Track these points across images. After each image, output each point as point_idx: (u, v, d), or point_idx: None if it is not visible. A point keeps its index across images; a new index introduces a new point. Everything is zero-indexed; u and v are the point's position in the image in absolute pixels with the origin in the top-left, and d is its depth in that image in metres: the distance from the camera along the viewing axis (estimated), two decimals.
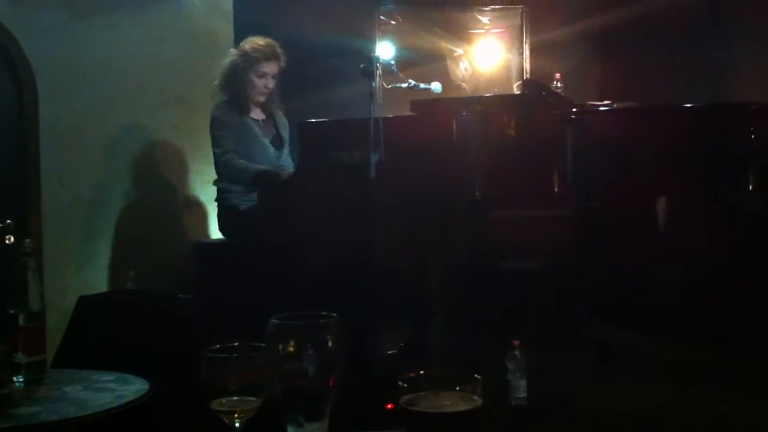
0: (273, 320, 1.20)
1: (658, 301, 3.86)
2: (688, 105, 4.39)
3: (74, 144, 4.30)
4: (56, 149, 4.21)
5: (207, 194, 4.93)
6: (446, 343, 3.86)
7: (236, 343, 1.21)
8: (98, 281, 4.37)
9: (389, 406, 1.15)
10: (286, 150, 4.41)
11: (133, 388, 2.05)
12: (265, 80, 4.31)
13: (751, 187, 3.89)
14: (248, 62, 4.27)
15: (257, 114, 4.40)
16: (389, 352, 3.79)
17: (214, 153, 4.26)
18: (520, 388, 3.27)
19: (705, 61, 5.59)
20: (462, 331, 3.92)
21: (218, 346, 1.21)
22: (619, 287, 3.95)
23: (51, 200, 4.17)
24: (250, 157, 4.24)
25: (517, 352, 3.28)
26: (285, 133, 4.47)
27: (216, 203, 4.40)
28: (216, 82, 4.39)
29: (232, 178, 4.22)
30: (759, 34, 5.29)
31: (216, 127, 4.25)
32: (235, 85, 4.30)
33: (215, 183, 4.38)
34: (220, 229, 4.41)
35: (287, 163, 4.38)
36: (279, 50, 4.33)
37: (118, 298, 3.45)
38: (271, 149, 4.35)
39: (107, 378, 2.15)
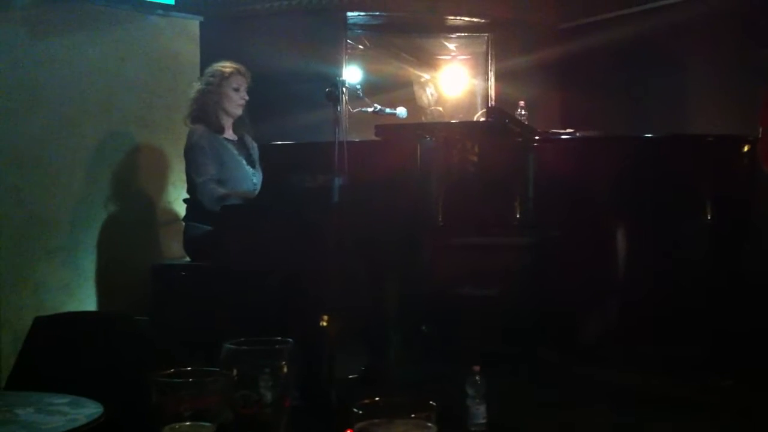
0: (227, 345, 1.18)
1: (612, 330, 3.90)
2: (648, 136, 4.46)
3: (32, 162, 4.24)
4: (14, 167, 4.15)
5: (167, 215, 4.88)
6: (406, 369, 3.85)
7: (189, 368, 1.19)
8: (55, 302, 4.30)
9: None
10: (259, 170, 4.40)
11: (87, 411, 2.01)
12: (241, 93, 4.35)
13: (709, 217, 3.95)
14: (222, 78, 4.31)
15: (230, 134, 4.40)
16: (350, 377, 3.77)
17: (195, 181, 4.18)
18: (480, 414, 3.26)
19: (662, 89, 5.69)
20: (422, 356, 3.91)
21: (171, 370, 1.19)
22: (573, 314, 3.98)
23: (7, 218, 4.10)
24: (229, 177, 4.23)
25: (477, 378, 3.27)
26: (255, 153, 4.47)
27: (183, 223, 4.37)
28: (186, 113, 4.37)
29: (215, 207, 4.14)
30: (716, 63, 5.39)
31: (196, 153, 4.19)
32: (209, 105, 4.30)
33: (185, 201, 4.35)
34: (185, 249, 4.37)
35: (261, 182, 4.37)
36: (245, 70, 4.39)
37: (74, 319, 3.39)
38: (248, 168, 4.35)
39: (61, 401, 2.11)
